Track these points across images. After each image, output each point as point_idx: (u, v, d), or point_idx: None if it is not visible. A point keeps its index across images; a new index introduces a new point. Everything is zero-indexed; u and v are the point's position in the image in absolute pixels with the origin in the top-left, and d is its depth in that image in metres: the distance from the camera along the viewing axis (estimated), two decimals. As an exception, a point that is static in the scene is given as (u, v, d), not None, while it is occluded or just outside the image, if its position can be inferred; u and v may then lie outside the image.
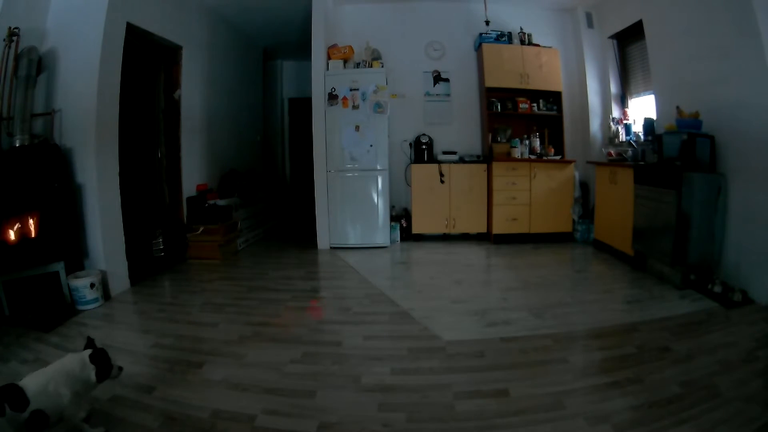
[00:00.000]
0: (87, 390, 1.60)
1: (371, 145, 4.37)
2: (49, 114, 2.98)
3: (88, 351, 1.64)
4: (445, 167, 4.62)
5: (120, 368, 1.71)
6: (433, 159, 4.77)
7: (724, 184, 2.96)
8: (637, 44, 4.27)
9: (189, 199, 4.26)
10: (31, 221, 2.77)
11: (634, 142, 4.10)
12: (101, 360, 1.62)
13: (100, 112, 2.98)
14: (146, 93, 4.10)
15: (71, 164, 3.00)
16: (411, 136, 4.93)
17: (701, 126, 3.09)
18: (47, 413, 1.45)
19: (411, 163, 4.78)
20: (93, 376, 1.58)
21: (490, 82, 4.66)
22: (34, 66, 2.88)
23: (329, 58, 4.44)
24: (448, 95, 5.05)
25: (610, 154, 4.16)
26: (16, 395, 1.42)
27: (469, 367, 2.03)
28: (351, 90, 4.32)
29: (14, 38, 2.79)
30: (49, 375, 1.53)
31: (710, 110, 3.08)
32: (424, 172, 4.64)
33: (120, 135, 3.21)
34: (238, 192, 4.91)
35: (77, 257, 3.01)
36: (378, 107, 4.33)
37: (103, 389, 1.84)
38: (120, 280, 3.19)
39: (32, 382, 1.50)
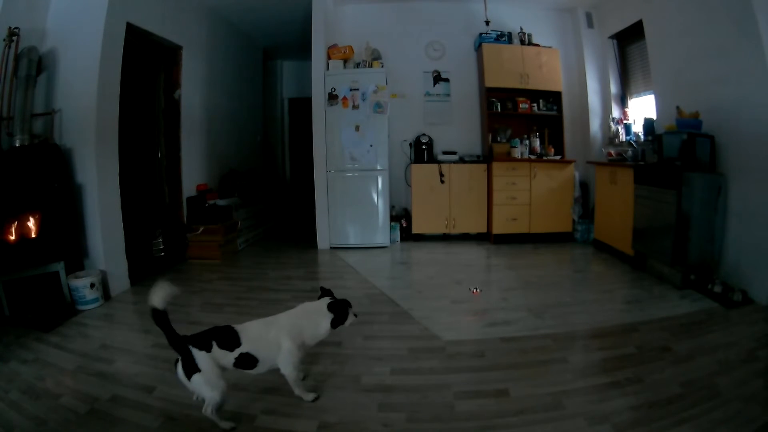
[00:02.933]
0: (315, 338, 1.74)
1: (371, 145, 4.37)
2: (49, 114, 2.97)
3: (327, 299, 1.77)
4: (445, 167, 4.62)
5: (355, 315, 1.83)
6: (433, 159, 4.77)
7: (724, 184, 2.96)
8: (637, 44, 4.27)
9: (189, 199, 4.26)
10: (31, 221, 2.77)
11: (634, 142, 4.10)
12: (339, 309, 1.76)
13: (100, 112, 2.98)
14: (146, 93, 4.10)
15: (71, 164, 3.00)
16: (411, 136, 4.93)
17: (701, 126, 3.09)
18: (257, 358, 1.60)
19: (411, 163, 4.78)
20: (327, 324, 1.73)
21: (490, 82, 4.66)
22: (34, 66, 2.88)
23: (329, 58, 4.44)
24: (448, 95, 5.05)
25: (610, 154, 4.16)
26: (228, 336, 1.58)
27: (469, 367, 2.03)
28: (351, 90, 4.32)
29: (14, 38, 2.79)
30: (278, 324, 1.68)
31: (710, 110, 3.08)
32: (424, 172, 4.64)
33: (120, 135, 3.21)
34: (238, 192, 4.91)
35: (77, 257, 3.01)
36: (378, 107, 4.33)
37: (103, 389, 1.84)
38: (120, 280, 3.19)
39: (253, 326, 1.66)
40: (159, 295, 1.52)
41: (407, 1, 4.94)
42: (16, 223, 2.70)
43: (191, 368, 1.50)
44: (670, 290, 3.00)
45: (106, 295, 3.01)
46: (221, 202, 4.42)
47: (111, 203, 3.13)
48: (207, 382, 1.50)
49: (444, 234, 4.80)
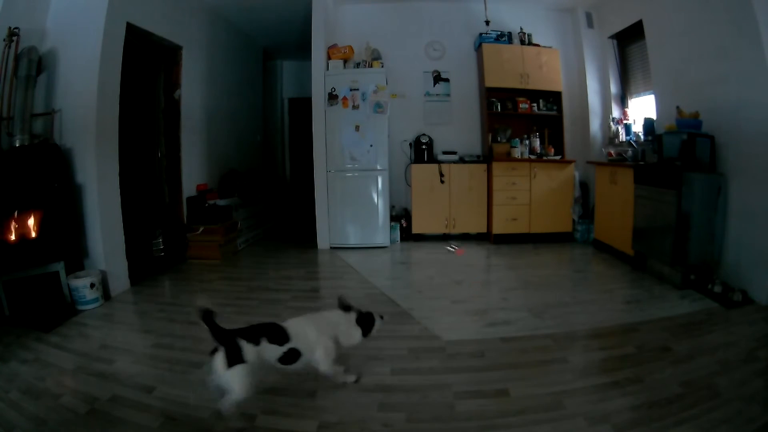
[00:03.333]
0: (348, 345, 1.86)
1: (371, 145, 4.37)
2: (49, 114, 2.98)
3: (355, 314, 1.90)
4: (445, 167, 4.62)
5: (381, 317, 1.97)
6: (433, 159, 4.77)
7: (724, 184, 2.96)
8: (637, 44, 4.27)
9: (189, 199, 4.26)
10: (31, 221, 2.77)
11: (634, 142, 4.10)
12: (367, 322, 1.91)
13: (100, 112, 2.98)
14: (146, 93, 4.10)
15: (71, 164, 3.00)
16: (411, 136, 4.93)
17: (701, 126, 3.09)
18: (301, 353, 1.71)
19: (411, 163, 4.78)
20: (359, 336, 1.87)
21: (490, 82, 4.66)
22: (34, 66, 2.88)
23: (329, 58, 4.44)
24: (448, 95, 5.05)
25: (610, 154, 4.16)
26: (277, 332, 1.70)
27: (469, 367, 2.03)
28: (351, 90, 4.32)
29: (14, 38, 2.79)
30: (317, 323, 1.81)
31: (710, 110, 3.08)
32: (424, 172, 4.64)
33: (120, 135, 3.21)
34: (238, 192, 4.91)
35: (77, 257, 3.01)
36: (378, 107, 4.33)
37: (103, 389, 1.84)
38: (120, 280, 3.19)
39: (296, 324, 1.77)
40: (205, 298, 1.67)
41: (407, 1, 4.94)
42: (16, 223, 2.70)
43: (235, 359, 1.55)
44: (670, 290, 3.00)
45: (106, 295, 3.01)
46: (221, 202, 4.42)
47: (111, 203, 3.13)
48: (244, 376, 1.55)
49: (444, 234, 4.79)
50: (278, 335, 1.68)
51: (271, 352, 1.65)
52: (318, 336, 1.76)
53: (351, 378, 1.87)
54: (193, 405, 1.74)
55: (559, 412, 1.65)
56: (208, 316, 1.60)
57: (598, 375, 1.93)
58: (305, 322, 1.79)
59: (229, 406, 1.57)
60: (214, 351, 1.59)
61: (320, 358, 1.75)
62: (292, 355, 1.69)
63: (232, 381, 1.56)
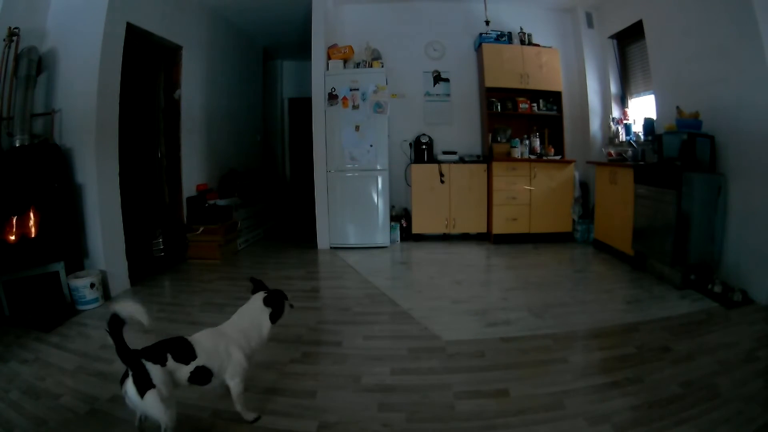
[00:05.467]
0: (261, 341, 1.67)
1: (371, 145, 4.37)
2: (49, 114, 2.98)
3: (261, 294, 1.70)
4: (445, 167, 4.62)
5: (291, 305, 1.78)
6: (433, 159, 4.77)
7: (724, 184, 2.96)
8: (637, 44, 4.26)
9: (189, 199, 4.26)
10: (31, 221, 2.77)
11: (634, 142, 4.10)
12: (276, 301, 1.71)
13: (100, 112, 2.98)
14: (146, 93, 4.10)
15: (71, 164, 3.00)
16: (411, 136, 4.93)
17: (701, 126, 3.09)
18: (212, 372, 1.50)
19: (411, 163, 4.78)
20: (267, 321, 1.67)
21: (490, 82, 4.66)
22: (34, 66, 2.88)
23: (329, 58, 4.44)
24: (448, 95, 5.05)
25: (610, 154, 4.16)
26: (183, 348, 1.48)
27: (469, 367, 2.03)
28: (351, 90, 4.32)
29: (14, 38, 2.79)
30: (224, 334, 1.60)
31: (710, 110, 3.08)
32: (424, 172, 4.64)
33: (120, 135, 3.21)
34: (238, 192, 4.91)
35: (77, 257, 3.01)
36: (378, 107, 4.33)
37: (103, 389, 1.84)
38: (120, 280, 3.19)
39: (204, 337, 1.56)
40: (130, 307, 1.42)
41: (407, 1, 4.94)
42: (16, 223, 2.70)
43: (144, 384, 1.34)
44: (670, 290, 3.00)
45: (106, 295, 3.01)
46: (221, 202, 4.42)
47: (111, 203, 3.13)
48: (162, 400, 1.35)
49: (444, 234, 4.79)
50: (184, 352, 1.47)
51: (179, 371, 1.44)
52: (228, 349, 1.56)
53: (251, 416, 1.62)
54: (193, 405, 1.73)
55: (559, 412, 1.65)
56: (115, 325, 1.37)
57: (598, 375, 1.93)
58: (213, 336, 1.58)
59: None
60: (124, 376, 1.39)
61: (229, 374, 1.55)
62: (202, 374, 1.48)
63: (152, 409, 1.36)
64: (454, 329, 2.44)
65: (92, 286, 2.84)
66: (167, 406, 1.37)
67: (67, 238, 2.89)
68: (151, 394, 1.34)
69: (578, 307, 2.77)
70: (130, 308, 1.42)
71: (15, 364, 2.11)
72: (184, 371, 1.45)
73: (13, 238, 2.68)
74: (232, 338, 1.60)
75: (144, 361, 1.38)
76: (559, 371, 1.97)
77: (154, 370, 1.37)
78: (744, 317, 2.51)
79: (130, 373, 1.36)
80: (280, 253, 4.42)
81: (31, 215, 2.77)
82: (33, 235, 2.77)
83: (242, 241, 4.62)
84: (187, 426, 1.61)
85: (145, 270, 3.58)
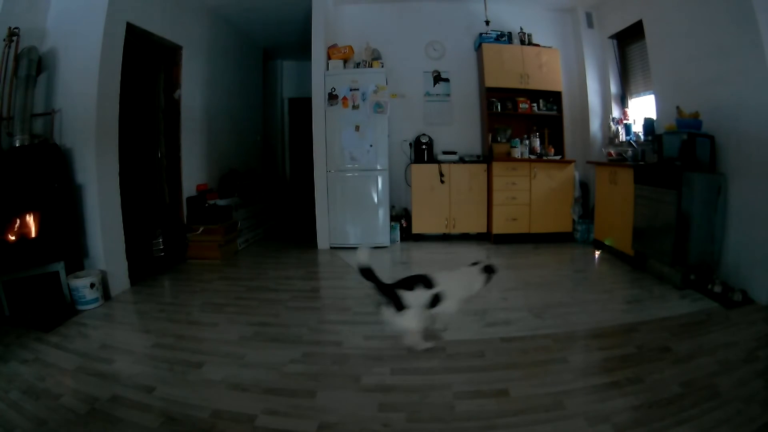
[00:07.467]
0: (470, 294, 2.28)
1: (371, 145, 4.37)
2: (49, 114, 2.97)
3: (482, 264, 2.30)
4: (445, 167, 4.62)
5: (493, 272, 2.32)
6: (433, 159, 4.77)
7: (724, 184, 2.96)
8: (637, 44, 4.27)
9: (189, 199, 4.26)
10: (31, 221, 2.77)
11: (634, 142, 4.10)
12: (490, 271, 2.30)
13: (100, 112, 2.98)
14: (146, 93, 4.10)
15: (71, 164, 2.99)
16: (411, 136, 4.93)
17: (701, 126, 3.09)
18: (442, 298, 2.13)
19: (411, 163, 4.78)
20: (480, 281, 2.26)
21: (490, 82, 4.66)
22: (34, 66, 2.88)
23: (329, 58, 4.44)
24: (448, 95, 5.05)
25: (610, 154, 4.16)
26: (426, 280, 2.11)
27: (469, 367, 2.03)
28: (351, 90, 4.32)
29: (14, 38, 2.79)
30: (453, 276, 2.23)
31: (710, 110, 3.08)
32: (424, 172, 4.64)
33: (120, 135, 3.21)
34: (238, 192, 4.91)
35: (77, 257, 3.01)
36: (378, 107, 4.33)
37: (103, 389, 1.85)
38: (120, 280, 3.19)
39: (440, 276, 2.17)
40: (363, 254, 2.07)
41: (407, 1, 4.94)
42: (16, 223, 2.70)
43: (400, 306, 2.01)
44: (670, 290, 3.00)
45: (106, 295, 3.01)
46: (221, 202, 4.42)
47: (111, 203, 3.13)
48: (411, 317, 2.03)
49: (444, 234, 4.79)
50: (427, 282, 2.10)
51: (423, 296, 2.05)
52: (457, 285, 2.20)
53: (423, 345, 2.17)
54: (193, 405, 1.74)
55: (559, 412, 1.65)
56: (367, 273, 2.02)
57: (598, 375, 1.93)
58: (447, 275, 2.20)
59: (410, 341, 2.10)
60: (381, 304, 2.05)
61: (452, 303, 2.17)
62: (437, 299, 2.11)
63: (404, 324, 2.03)
64: (454, 329, 2.44)
65: (92, 286, 2.84)
66: (412, 322, 2.04)
67: (67, 238, 2.89)
68: (402, 313, 2.03)
69: (578, 307, 2.77)
70: (363, 256, 2.07)
71: (15, 364, 2.11)
72: (424, 296, 2.07)
73: (13, 238, 2.68)
74: (460, 281, 2.23)
75: (397, 290, 2.04)
76: (559, 371, 1.97)
77: (406, 296, 2.03)
78: (744, 317, 2.51)
79: (388, 300, 2.03)
80: (280, 253, 4.42)
81: (31, 215, 2.77)
82: (33, 235, 2.77)
83: (242, 241, 4.62)
84: (187, 426, 1.61)
85: (145, 270, 3.58)
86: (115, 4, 3.01)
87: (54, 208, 2.82)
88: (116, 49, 3.11)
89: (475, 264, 2.31)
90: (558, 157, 4.65)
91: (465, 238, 4.82)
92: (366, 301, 2.96)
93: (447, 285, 2.14)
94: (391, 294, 2.03)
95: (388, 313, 2.03)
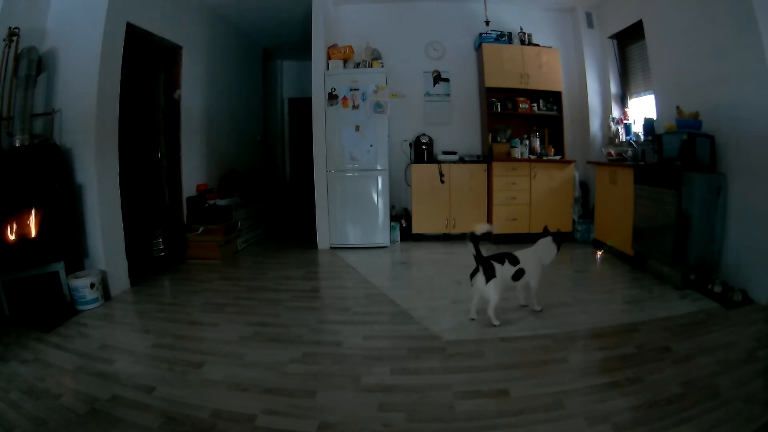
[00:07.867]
0: (549, 263, 2.62)
1: (371, 145, 4.37)
2: (49, 114, 2.97)
3: (550, 236, 2.64)
4: (445, 167, 4.62)
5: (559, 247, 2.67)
6: (433, 159, 4.77)
7: (724, 184, 2.96)
8: (637, 44, 4.26)
9: (189, 199, 4.26)
10: (31, 221, 2.77)
11: (634, 142, 4.10)
12: (559, 240, 2.65)
13: (100, 112, 2.98)
14: (146, 93, 4.10)
15: (71, 164, 2.99)
16: (411, 136, 4.93)
17: (701, 126, 3.09)
18: (525, 272, 2.48)
19: (411, 163, 4.77)
20: (555, 249, 2.62)
21: (490, 82, 4.66)
22: (34, 66, 2.88)
23: (329, 58, 4.44)
24: (448, 95, 5.05)
25: (610, 154, 4.16)
26: (513, 257, 2.47)
27: (469, 367, 2.03)
28: (351, 90, 4.32)
29: (14, 38, 2.79)
30: (534, 252, 2.57)
31: (710, 110, 3.08)
32: (424, 172, 4.64)
33: (120, 135, 3.21)
34: (238, 192, 4.91)
35: (77, 257, 3.01)
36: (378, 107, 4.33)
37: (103, 389, 1.85)
38: (120, 280, 3.19)
39: (523, 253, 2.52)
40: (483, 228, 2.47)
41: (407, 1, 4.94)
42: (16, 223, 2.70)
43: (490, 275, 2.34)
44: (670, 290, 3.00)
45: (106, 295, 3.01)
46: (221, 202, 4.42)
47: (111, 203, 3.13)
48: (496, 287, 2.35)
49: (444, 234, 4.79)
50: (513, 259, 2.44)
51: (508, 270, 2.40)
52: (535, 261, 2.52)
53: (538, 307, 2.63)
54: (193, 405, 1.74)
55: (559, 412, 1.65)
56: (476, 240, 2.39)
57: (598, 375, 1.93)
58: (527, 253, 2.52)
59: (492, 310, 2.38)
60: (474, 272, 2.39)
61: (532, 277, 2.52)
62: (520, 274, 2.44)
63: (490, 291, 2.33)
64: (454, 329, 2.44)
65: (92, 286, 2.84)
66: (498, 292, 2.37)
67: (67, 238, 2.89)
68: (492, 282, 2.35)
69: (578, 307, 2.77)
70: (482, 228, 2.47)
71: (15, 364, 2.11)
72: (511, 270, 2.42)
73: (13, 238, 2.68)
74: (537, 256, 2.55)
75: (492, 261, 2.38)
76: (559, 371, 1.97)
77: (497, 267, 2.37)
78: (744, 317, 2.51)
79: (481, 269, 2.36)
80: (280, 253, 4.42)
81: (31, 215, 2.77)
82: (33, 235, 2.77)
83: (242, 241, 4.62)
84: (187, 426, 1.61)
85: (145, 270, 3.58)
86: (115, 4, 3.01)
87: (54, 208, 2.82)
88: (116, 49, 3.11)
89: (544, 235, 2.66)
90: (558, 157, 4.65)
91: (465, 238, 4.81)
92: (366, 301, 2.97)
93: (527, 264, 2.46)
94: (486, 264, 2.34)
95: (479, 280, 2.35)
